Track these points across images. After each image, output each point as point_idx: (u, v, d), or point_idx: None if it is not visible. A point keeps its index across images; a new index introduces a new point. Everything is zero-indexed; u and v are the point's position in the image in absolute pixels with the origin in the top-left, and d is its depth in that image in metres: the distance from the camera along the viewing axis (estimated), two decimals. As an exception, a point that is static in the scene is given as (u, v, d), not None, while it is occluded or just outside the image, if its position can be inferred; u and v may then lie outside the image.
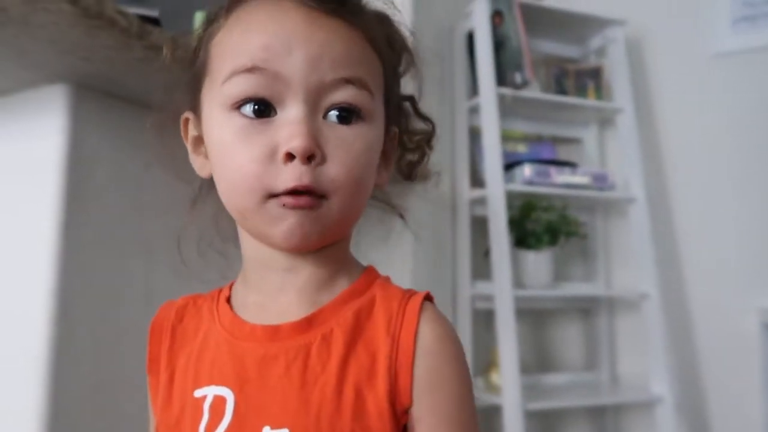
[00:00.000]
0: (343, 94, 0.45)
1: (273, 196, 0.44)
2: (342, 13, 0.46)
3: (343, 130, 0.45)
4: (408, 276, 1.48)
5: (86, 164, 0.84)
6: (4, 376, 0.80)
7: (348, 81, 0.45)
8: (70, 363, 0.80)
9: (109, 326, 0.84)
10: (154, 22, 0.73)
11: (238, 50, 0.45)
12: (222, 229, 0.54)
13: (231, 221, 0.52)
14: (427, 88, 0.58)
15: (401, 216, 0.58)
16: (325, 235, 0.46)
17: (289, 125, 0.44)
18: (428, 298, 0.49)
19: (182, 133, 0.53)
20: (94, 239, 0.85)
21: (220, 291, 0.53)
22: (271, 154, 0.43)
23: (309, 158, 0.43)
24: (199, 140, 0.51)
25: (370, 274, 0.51)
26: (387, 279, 0.52)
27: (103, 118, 0.87)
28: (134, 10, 0.69)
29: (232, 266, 0.55)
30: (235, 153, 0.45)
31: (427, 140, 0.58)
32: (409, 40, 0.56)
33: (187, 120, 0.52)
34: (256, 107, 0.44)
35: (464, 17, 1.81)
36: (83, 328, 0.82)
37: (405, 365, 0.44)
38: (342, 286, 0.49)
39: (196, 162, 0.52)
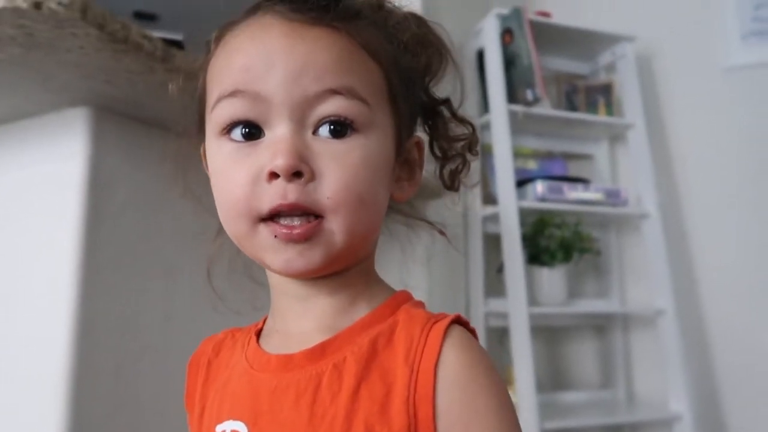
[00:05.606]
0: (331, 106, 0.42)
1: (262, 219, 0.42)
2: (327, 20, 0.43)
3: (336, 144, 0.42)
4: (422, 294, 1.47)
5: (106, 186, 0.85)
6: (25, 396, 0.80)
7: (335, 92, 0.41)
8: (91, 383, 0.80)
9: (128, 347, 0.84)
10: (178, 45, 0.74)
11: (222, 76, 0.44)
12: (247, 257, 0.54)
13: None
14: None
15: (442, 233, 0.55)
16: (332, 259, 0.42)
17: (274, 144, 0.41)
18: (458, 321, 0.44)
19: (203, 164, 0.52)
20: (114, 260, 0.85)
21: (257, 324, 0.52)
22: (257, 176, 0.41)
23: (295, 175, 0.40)
24: None
25: (397, 298, 0.47)
26: (418, 303, 0.48)
27: (124, 140, 0.88)
28: (158, 33, 0.70)
29: (258, 293, 0.54)
30: (226, 178, 0.43)
31: (468, 146, 0.53)
32: (442, 38, 0.52)
33: (204, 151, 0.51)
34: (245, 130, 0.42)
35: (474, 35, 1.83)
36: (103, 349, 0.82)
37: (425, 398, 0.40)
38: (362, 311, 0.46)
39: None
